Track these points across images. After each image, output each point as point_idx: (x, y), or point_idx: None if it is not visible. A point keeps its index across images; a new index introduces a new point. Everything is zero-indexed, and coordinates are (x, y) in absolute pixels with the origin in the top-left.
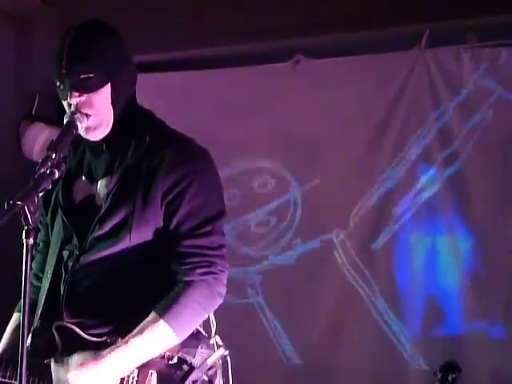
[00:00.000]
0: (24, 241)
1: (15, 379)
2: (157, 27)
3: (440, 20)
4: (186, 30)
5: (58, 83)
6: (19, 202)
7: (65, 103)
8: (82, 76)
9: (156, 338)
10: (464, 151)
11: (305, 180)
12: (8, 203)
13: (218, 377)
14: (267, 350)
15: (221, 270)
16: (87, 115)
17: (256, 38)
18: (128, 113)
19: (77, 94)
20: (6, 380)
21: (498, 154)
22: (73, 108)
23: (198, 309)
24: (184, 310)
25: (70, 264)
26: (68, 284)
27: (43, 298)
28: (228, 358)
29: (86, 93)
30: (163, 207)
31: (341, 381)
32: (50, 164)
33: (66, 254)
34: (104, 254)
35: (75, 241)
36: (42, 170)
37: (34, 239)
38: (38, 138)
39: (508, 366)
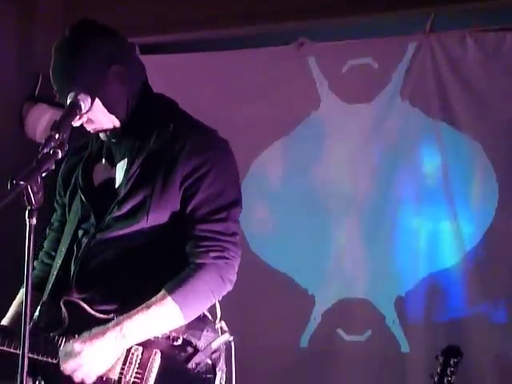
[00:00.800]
0: (27, 221)
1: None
2: (157, 9)
3: (445, 4)
4: (188, 11)
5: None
6: (22, 182)
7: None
8: (69, 100)
9: (162, 315)
10: (468, 134)
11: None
12: (11, 183)
13: (221, 361)
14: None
15: (233, 256)
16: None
17: (259, 20)
18: (142, 103)
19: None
20: (18, 351)
21: (503, 138)
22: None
23: (207, 292)
24: (193, 291)
25: (85, 241)
26: (80, 260)
27: (55, 273)
28: (232, 343)
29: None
30: (181, 191)
31: (343, 365)
32: (53, 144)
33: (81, 232)
34: (120, 233)
35: (92, 220)
36: (45, 151)
37: (37, 219)
38: (41, 119)
39: (510, 349)
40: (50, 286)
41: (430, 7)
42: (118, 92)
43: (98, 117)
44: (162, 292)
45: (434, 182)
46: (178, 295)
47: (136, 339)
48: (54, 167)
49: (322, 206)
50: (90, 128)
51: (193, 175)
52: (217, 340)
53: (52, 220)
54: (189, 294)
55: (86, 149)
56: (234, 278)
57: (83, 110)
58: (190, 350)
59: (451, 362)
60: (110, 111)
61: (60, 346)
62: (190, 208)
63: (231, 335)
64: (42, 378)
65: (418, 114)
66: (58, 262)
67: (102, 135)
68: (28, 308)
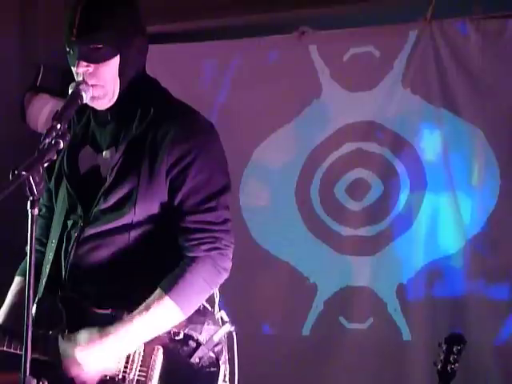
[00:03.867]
0: (29, 211)
1: (20, 350)
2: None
3: None
4: (188, 1)
5: (68, 49)
6: (24, 173)
7: (73, 69)
8: (91, 46)
9: (162, 315)
10: (469, 121)
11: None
12: (13, 173)
13: (224, 353)
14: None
15: (226, 245)
16: (93, 86)
17: (261, 9)
18: (135, 84)
19: (85, 63)
20: (18, 351)
21: (504, 124)
22: (80, 77)
23: (204, 285)
24: (189, 287)
25: (74, 234)
26: (71, 255)
27: (48, 267)
28: (234, 333)
29: (93, 63)
30: (168, 182)
31: (344, 353)
32: (54, 134)
33: (70, 223)
34: (109, 226)
35: (80, 211)
36: (46, 141)
37: (39, 209)
38: (42, 110)
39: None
40: (45, 280)
41: None
42: (133, 61)
43: (106, 73)
44: (159, 291)
45: (436, 169)
46: (174, 294)
47: (138, 342)
48: (55, 157)
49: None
50: (90, 81)
51: (177, 165)
52: (218, 332)
53: (40, 205)
54: (186, 290)
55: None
56: (228, 266)
57: (84, 100)
58: (192, 344)
59: (454, 350)
60: (120, 74)
61: (60, 344)
62: (177, 200)
63: (232, 325)
64: (45, 378)
65: (420, 101)
66: (50, 255)
67: (92, 109)
68: (31, 297)
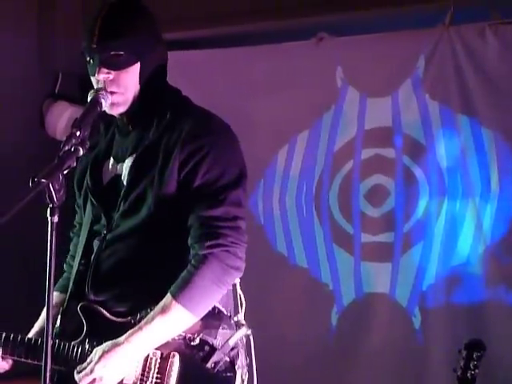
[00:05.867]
0: (49, 219)
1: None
2: (177, 5)
3: None
4: (206, 8)
5: (87, 58)
6: (44, 180)
7: (93, 79)
8: (112, 53)
9: (173, 321)
10: (489, 127)
11: None
12: (33, 181)
13: (240, 357)
14: None
15: (233, 243)
16: (112, 93)
17: (278, 16)
18: (155, 92)
19: (105, 70)
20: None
21: None
22: (100, 84)
23: (211, 285)
24: (198, 290)
25: (97, 244)
26: (94, 264)
27: (72, 278)
28: (251, 336)
29: (114, 70)
30: (180, 180)
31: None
32: (74, 141)
33: (94, 234)
34: (126, 228)
35: (103, 221)
36: (66, 148)
37: (59, 217)
38: (61, 117)
39: None
40: (69, 291)
41: (448, 0)
42: (153, 70)
43: (127, 81)
44: (168, 297)
45: (455, 175)
46: (183, 299)
47: (151, 347)
48: (75, 165)
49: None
50: (108, 89)
51: (189, 162)
52: (234, 336)
53: (74, 222)
54: (194, 293)
55: (96, 145)
56: (239, 265)
57: (103, 108)
58: (207, 349)
59: (474, 356)
60: (141, 81)
61: (80, 355)
62: (188, 197)
63: (249, 328)
64: None
65: (438, 107)
66: (76, 265)
67: (115, 116)
68: (51, 308)
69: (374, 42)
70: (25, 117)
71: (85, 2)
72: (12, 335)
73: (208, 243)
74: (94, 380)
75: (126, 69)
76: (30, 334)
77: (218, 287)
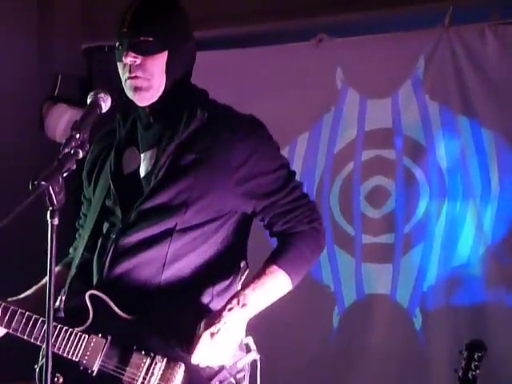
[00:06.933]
0: (49, 221)
1: (41, 341)
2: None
3: None
4: (207, 9)
5: (117, 43)
6: (44, 183)
7: (119, 65)
8: (141, 38)
9: (275, 285)
10: (489, 128)
11: None
12: (32, 184)
13: (245, 381)
14: None
15: (320, 215)
16: (137, 77)
17: (278, 17)
18: (180, 86)
19: (133, 54)
20: (38, 342)
21: None
22: (126, 71)
23: (308, 257)
24: (297, 259)
25: (112, 237)
26: (109, 258)
27: (77, 261)
28: (258, 362)
29: (142, 55)
30: (238, 185)
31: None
32: (74, 144)
33: (106, 224)
34: (153, 228)
35: (119, 212)
36: (66, 150)
37: (59, 220)
38: (60, 119)
39: None
40: (73, 274)
41: (448, 1)
42: (181, 62)
43: (153, 67)
44: (270, 263)
45: (455, 176)
46: (286, 265)
47: (256, 309)
48: (75, 167)
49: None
50: (133, 73)
51: (247, 164)
52: (243, 359)
53: (80, 214)
54: (295, 262)
55: (113, 135)
56: (325, 241)
57: (103, 110)
58: (214, 366)
59: (475, 357)
60: (167, 71)
61: (82, 344)
62: (260, 195)
63: (258, 354)
64: (60, 374)
65: (438, 107)
66: (80, 250)
67: (138, 105)
68: (51, 309)
69: (373, 43)
70: (24, 118)
71: (84, 3)
72: (11, 308)
73: (306, 219)
74: (219, 331)
75: (153, 55)
76: (31, 291)
77: (312, 259)
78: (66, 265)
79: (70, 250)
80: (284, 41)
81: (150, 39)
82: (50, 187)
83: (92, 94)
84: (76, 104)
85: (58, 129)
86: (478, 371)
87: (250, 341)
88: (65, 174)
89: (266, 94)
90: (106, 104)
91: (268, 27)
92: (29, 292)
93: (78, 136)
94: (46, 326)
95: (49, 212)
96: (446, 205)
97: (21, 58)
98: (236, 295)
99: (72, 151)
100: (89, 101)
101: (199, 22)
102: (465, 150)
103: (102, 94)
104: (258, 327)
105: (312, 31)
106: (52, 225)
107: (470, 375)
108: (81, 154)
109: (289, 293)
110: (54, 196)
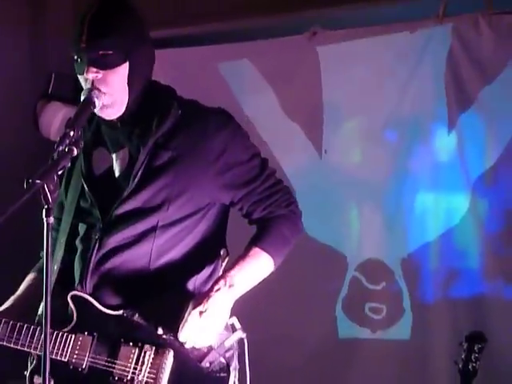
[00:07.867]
0: (44, 220)
1: (28, 347)
2: (167, 3)
3: None
4: (198, 4)
5: (75, 57)
6: (39, 181)
7: (81, 78)
8: (100, 52)
9: (259, 266)
10: (484, 117)
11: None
12: (27, 182)
13: (234, 359)
14: None
15: (295, 199)
16: (101, 92)
17: (271, 11)
18: (144, 93)
19: (94, 69)
20: (25, 348)
21: None
22: (89, 84)
23: (289, 239)
24: (278, 241)
25: (94, 238)
26: (91, 259)
27: (55, 266)
28: (245, 340)
29: (103, 69)
30: (219, 175)
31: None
32: (68, 141)
33: (82, 226)
34: (137, 226)
35: (97, 213)
36: (60, 148)
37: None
38: (55, 118)
39: None
40: (55, 278)
41: None
42: (141, 70)
43: (115, 81)
44: (252, 246)
45: (452, 168)
46: (268, 247)
47: (241, 289)
48: (69, 165)
49: (339, 194)
50: (98, 86)
51: (223, 157)
52: (230, 338)
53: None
54: (276, 244)
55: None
56: (302, 223)
57: (97, 107)
58: (203, 348)
59: (475, 348)
60: (129, 83)
61: (69, 344)
62: (238, 185)
63: (244, 332)
64: (51, 376)
65: (433, 98)
66: (59, 253)
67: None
68: (48, 311)
69: (367, 34)
70: (17, 117)
71: (76, 2)
72: None
73: (284, 204)
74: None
75: (114, 68)
76: (9, 302)
77: (291, 241)
78: (40, 270)
79: (42, 254)
80: (278, 34)
81: (110, 52)
82: (45, 185)
83: (85, 91)
84: (70, 102)
85: (52, 127)
86: (478, 363)
87: (234, 321)
88: (59, 172)
89: (258, 88)
90: (99, 101)
91: (261, 21)
92: (7, 304)
93: (72, 133)
94: (31, 331)
95: (44, 210)
96: (442, 197)
97: (13, 56)
98: (222, 276)
99: (66, 149)
100: (82, 98)
101: (190, 17)
102: (461, 141)
103: (96, 91)
104: (257, 324)
105: (307, 24)
106: (47, 223)
107: (470, 367)
108: (75, 152)
109: (290, 288)
110: (48, 194)
